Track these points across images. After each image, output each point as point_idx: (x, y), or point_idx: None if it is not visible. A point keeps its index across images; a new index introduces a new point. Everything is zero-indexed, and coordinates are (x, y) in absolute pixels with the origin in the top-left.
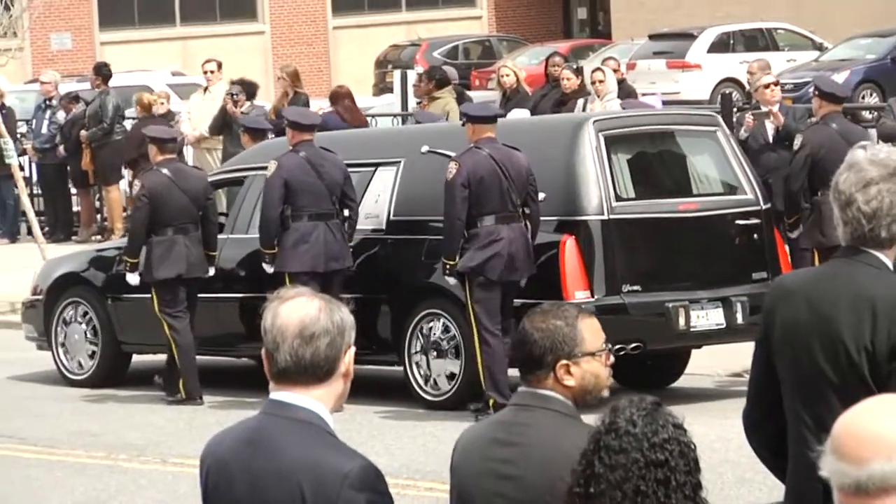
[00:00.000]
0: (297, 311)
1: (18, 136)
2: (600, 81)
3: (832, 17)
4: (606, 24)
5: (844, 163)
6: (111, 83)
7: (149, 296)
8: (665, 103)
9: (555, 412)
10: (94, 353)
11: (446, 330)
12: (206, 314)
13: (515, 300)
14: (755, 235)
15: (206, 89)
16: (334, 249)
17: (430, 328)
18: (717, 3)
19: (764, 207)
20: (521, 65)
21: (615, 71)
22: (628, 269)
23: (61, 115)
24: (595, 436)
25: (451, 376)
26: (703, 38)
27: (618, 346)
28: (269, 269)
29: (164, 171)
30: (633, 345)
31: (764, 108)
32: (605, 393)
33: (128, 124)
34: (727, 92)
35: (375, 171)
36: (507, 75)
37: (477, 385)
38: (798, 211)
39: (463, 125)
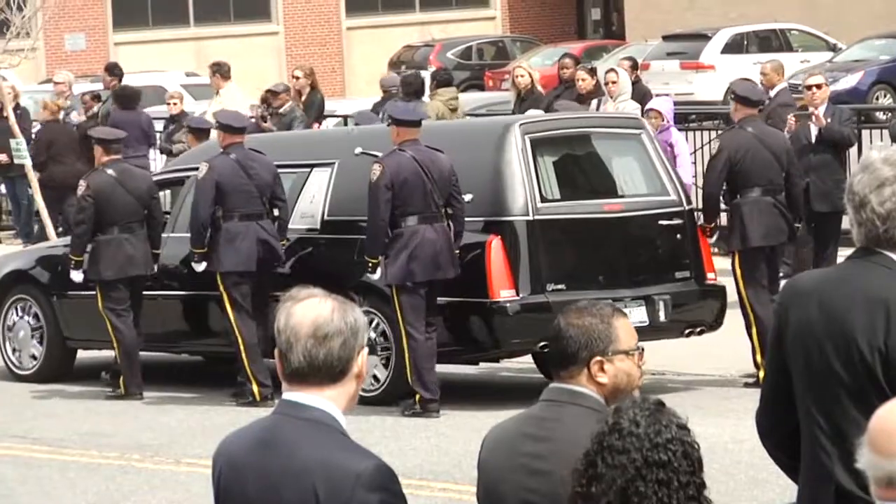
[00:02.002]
0: (310, 312)
1: (32, 136)
2: (613, 82)
3: (846, 18)
4: (620, 25)
5: (859, 164)
6: (123, 83)
7: (93, 293)
8: (678, 104)
9: (586, 408)
10: (41, 348)
11: (377, 327)
12: (149, 311)
13: (442, 298)
14: (678, 235)
15: (216, 91)
16: (265, 249)
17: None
18: (730, 3)
19: (687, 208)
20: (535, 65)
21: (633, 70)
22: (553, 268)
23: (74, 116)
24: (598, 436)
25: (381, 373)
26: (717, 39)
27: (542, 343)
28: (198, 267)
29: (109, 171)
30: None
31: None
32: (636, 393)
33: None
34: None
35: (311, 172)
36: (522, 76)
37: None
38: (716, 216)
39: (388, 126)
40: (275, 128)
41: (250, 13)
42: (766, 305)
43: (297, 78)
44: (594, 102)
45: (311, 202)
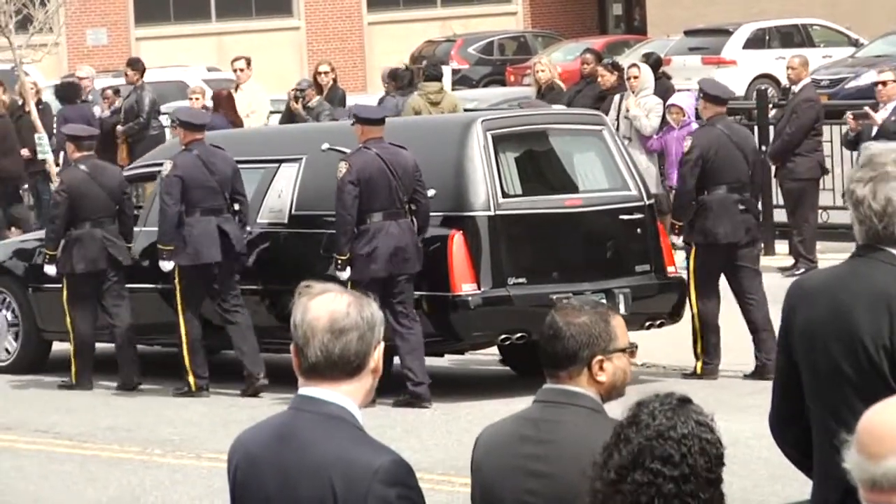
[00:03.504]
0: (326, 307)
1: (55, 131)
2: (635, 77)
3: (868, 13)
4: (642, 20)
5: (857, 162)
6: (146, 78)
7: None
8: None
9: (585, 408)
10: (16, 340)
11: None
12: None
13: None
14: (638, 230)
15: (236, 87)
16: (227, 242)
17: None
18: None
19: (647, 203)
20: (556, 61)
21: (657, 65)
22: (514, 262)
23: (97, 110)
24: (617, 429)
25: None
26: (739, 34)
27: (503, 336)
28: (166, 265)
29: (82, 167)
30: (519, 335)
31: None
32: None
33: (164, 119)
34: (763, 88)
35: (279, 167)
36: (543, 71)
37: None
38: (686, 212)
39: (352, 125)
40: (305, 114)
41: (272, 8)
42: (712, 301)
43: (325, 73)
44: (616, 97)
45: (279, 197)
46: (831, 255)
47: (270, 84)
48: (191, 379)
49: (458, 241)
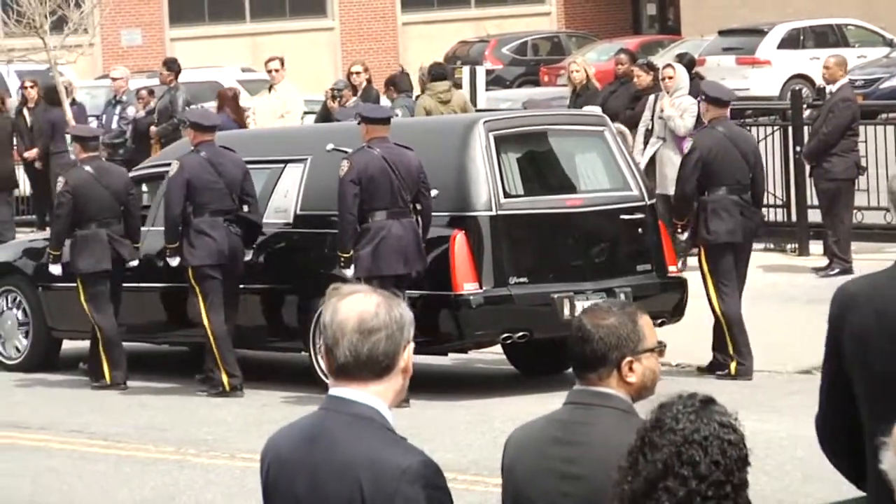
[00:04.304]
0: (355, 307)
1: (102, 132)
2: (670, 77)
3: None
4: (676, 20)
5: None
6: (180, 79)
7: (75, 285)
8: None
9: (616, 410)
10: (26, 339)
11: None
12: (129, 302)
13: (408, 291)
14: (639, 229)
15: (270, 87)
16: (234, 243)
17: None
18: None
19: (648, 203)
20: (590, 61)
21: (690, 65)
22: (516, 261)
23: (131, 111)
24: (641, 432)
25: None
26: (773, 34)
27: (505, 335)
28: (172, 262)
29: (87, 168)
30: (520, 333)
31: None
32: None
33: None
34: (797, 88)
35: (285, 167)
36: (577, 71)
37: None
38: (689, 213)
39: (358, 124)
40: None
41: (306, 9)
42: (733, 299)
43: (358, 73)
44: (651, 98)
45: (285, 197)
46: (866, 256)
47: (304, 84)
48: (224, 378)
49: (460, 240)
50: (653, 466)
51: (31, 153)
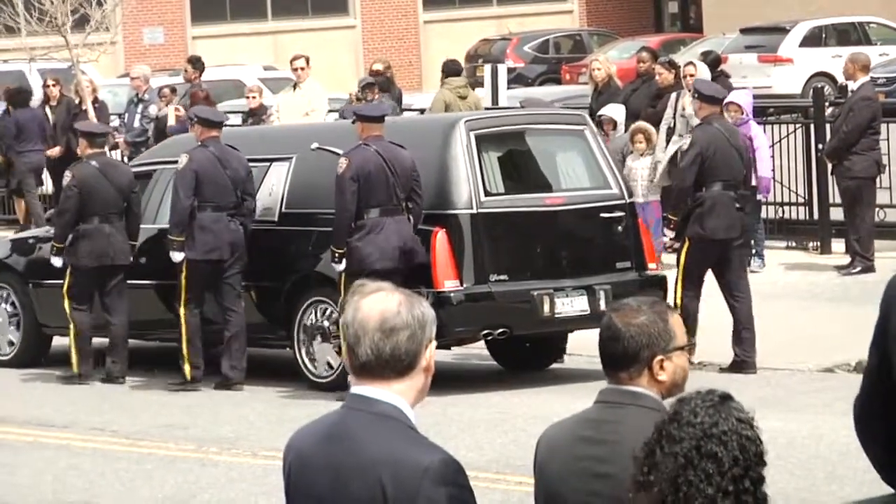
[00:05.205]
0: (377, 306)
1: (111, 129)
2: (691, 75)
3: None
4: (698, 18)
5: None
6: (203, 77)
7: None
8: (754, 97)
9: (646, 408)
10: (18, 335)
11: (330, 315)
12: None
13: None
14: (619, 227)
15: (295, 85)
16: (235, 239)
17: (316, 313)
18: None
19: (628, 201)
20: (612, 59)
21: (716, 64)
22: (496, 259)
23: (153, 110)
24: (659, 425)
25: (335, 360)
26: (795, 32)
27: (485, 332)
28: (177, 256)
29: (94, 163)
30: (500, 330)
31: None
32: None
33: None
34: (819, 86)
35: (270, 165)
36: (599, 69)
37: None
38: (686, 206)
39: (353, 123)
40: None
41: (327, 7)
42: (696, 296)
43: (379, 71)
44: (672, 96)
45: (270, 195)
46: (888, 254)
47: (326, 83)
48: (186, 368)
49: (441, 238)
50: (671, 459)
51: (54, 151)
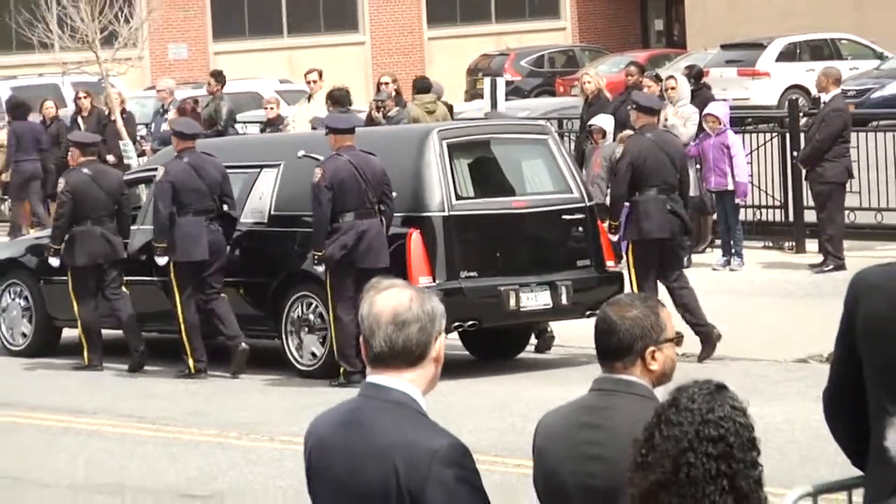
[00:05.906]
0: (390, 301)
1: (138, 138)
2: (672, 88)
3: (893, 29)
4: (681, 35)
5: None
6: (224, 89)
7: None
8: (735, 108)
9: (638, 396)
10: (30, 327)
11: (314, 309)
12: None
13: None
14: (580, 228)
15: (309, 97)
16: (215, 240)
17: (302, 307)
18: (785, 15)
19: (588, 204)
20: (602, 73)
21: (698, 78)
22: (466, 257)
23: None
24: (658, 410)
25: (318, 349)
26: (772, 47)
27: (457, 324)
28: (161, 260)
29: (85, 170)
30: (470, 322)
31: None
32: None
33: (239, 128)
34: (794, 98)
35: (260, 172)
36: (589, 82)
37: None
38: (619, 212)
39: (326, 135)
40: (386, 123)
41: (339, 24)
42: (652, 291)
43: (386, 84)
44: None
45: (260, 199)
46: (857, 254)
47: None
48: (191, 362)
49: (415, 238)
50: (671, 442)
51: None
